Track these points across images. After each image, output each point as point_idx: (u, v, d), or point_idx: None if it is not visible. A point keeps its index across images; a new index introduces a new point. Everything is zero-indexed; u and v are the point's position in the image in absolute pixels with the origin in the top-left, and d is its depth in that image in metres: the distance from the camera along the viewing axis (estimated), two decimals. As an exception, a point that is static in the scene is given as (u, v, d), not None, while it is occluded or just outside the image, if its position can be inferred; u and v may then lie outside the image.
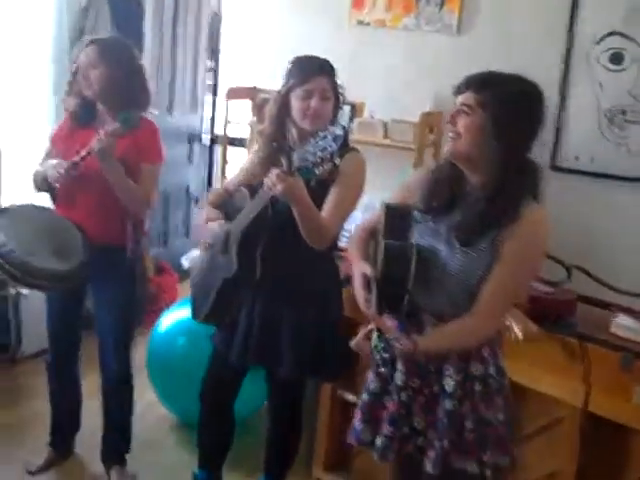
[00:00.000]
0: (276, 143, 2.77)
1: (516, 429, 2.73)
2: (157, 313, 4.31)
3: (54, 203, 3.14)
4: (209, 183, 6.04)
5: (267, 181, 2.47)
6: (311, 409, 3.38)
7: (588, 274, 3.07)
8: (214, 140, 6.01)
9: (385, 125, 4.30)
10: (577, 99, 4.04)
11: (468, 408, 2.20)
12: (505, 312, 2.25)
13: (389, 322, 2.23)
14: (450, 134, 2.16)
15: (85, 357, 3.42)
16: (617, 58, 3.94)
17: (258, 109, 4.56)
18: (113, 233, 3.09)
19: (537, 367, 2.80)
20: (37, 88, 4.53)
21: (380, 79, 4.54)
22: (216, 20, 5.91)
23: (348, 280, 2.60)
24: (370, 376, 2.38)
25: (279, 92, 2.75)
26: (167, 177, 5.53)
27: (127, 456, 3.45)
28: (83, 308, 3.37)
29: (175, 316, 3.86)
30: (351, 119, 4.42)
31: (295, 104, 2.70)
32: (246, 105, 4.92)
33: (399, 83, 4.49)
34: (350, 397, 3.19)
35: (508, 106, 2.09)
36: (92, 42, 3.11)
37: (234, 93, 4.90)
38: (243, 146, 4.99)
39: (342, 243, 3.00)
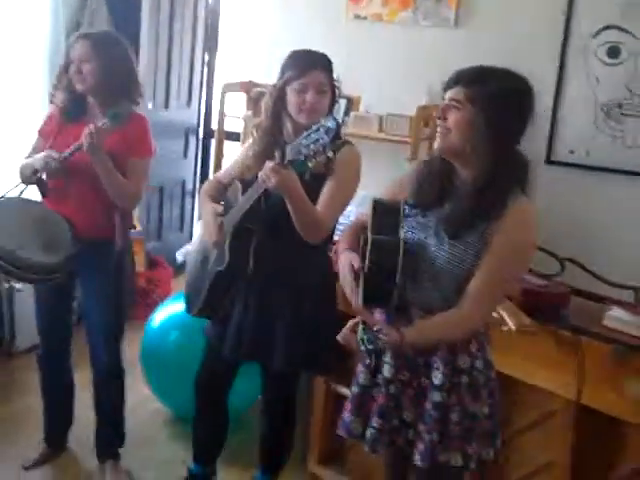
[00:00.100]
0: (272, 137, 2.77)
1: (503, 423, 2.76)
2: (151, 307, 4.32)
3: (42, 196, 3.14)
4: (204, 177, 6.04)
5: (261, 174, 2.48)
6: (305, 403, 3.38)
7: (582, 267, 3.07)
8: (209, 134, 6.01)
9: (381, 119, 4.30)
10: (573, 93, 4.04)
11: (454, 401, 2.20)
12: (493, 305, 2.25)
13: (378, 315, 2.23)
14: (440, 129, 2.17)
15: (77, 351, 3.42)
16: (614, 52, 3.93)
17: (254, 103, 4.55)
18: (101, 226, 3.09)
19: (530, 360, 2.79)
20: (33, 83, 4.53)
21: (377, 73, 4.53)
22: (213, 14, 5.91)
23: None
24: (359, 369, 2.39)
25: (275, 85, 2.75)
26: (162, 171, 5.58)
27: (121, 450, 3.45)
28: (72, 302, 3.37)
29: (169, 310, 3.86)
30: (347, 113, 4.42)
31: (291, 98, 2.69)
32: (241, 99, 4.92)
33: (396, 77, 4.48)
34: (344, 391, 3.18)
35: (497, 101, 2.09)
36: (84, 36, 3.10)
37: (230, 87, 4.89)
38: (238, 140, 4.99)
39: (337, 237, 2.99)
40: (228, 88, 4.87)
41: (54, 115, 3.20)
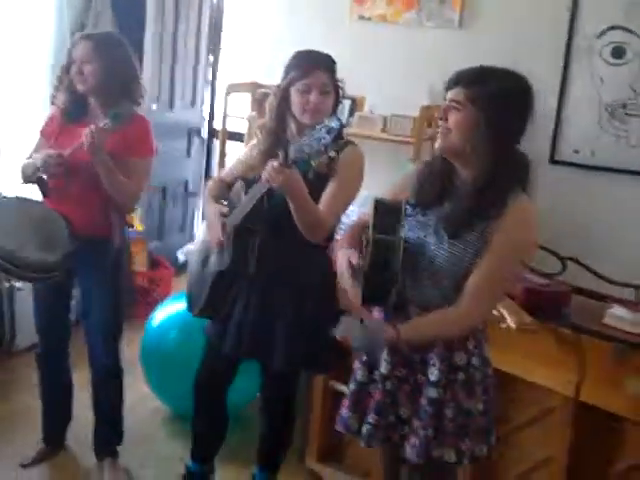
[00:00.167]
0: (276, 137, 2.78)
1: (502, 419, 2.78)
2: (151, 306, 4.33)
3: (43, 196, 3.15)
4: (207, 178, 6.06)
5: (264, 173, 2.49)
6: (304, 400, 3.38)
7: (584, 266, 3.07)
8: (213, 134, 6.02)
9: (384, 119, 4.31)
10: (578, 93, 4.05)
11: (449, 397, 2.21)
12: (491, 303, 2.25)
13: (376, 314, 2.25)
14: (440, 129, 2.18)
15: (76, 351, 3.42)
16: (618, 52, 3.94)
17: (258, 103, 4.57)
18: (99, 224, 3.09)
19: (530, 358, 2.79)
20: (37, 84, 4.54)
21: (380, 74, 4.54)
22: (217, 15, 5.92)
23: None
24: (357, 365, 2.41)
25: (279, 86, 2.76)
26: (165, 171, 5.59)
27: (120, 448, 3.44)
28: (70, 301, 3.38)
29: (169, 310, 3.86)
30: (351, 113, 4.44)
31: (295, 98, 2.70)
32: (245, 99, 4.93)
33: (399, 78, 4.50)
34: (342, 388, 3.18)
35: (497, 101, 2.10)
36: (85, 37, 3.11)
37: (234, 88, 4.91)
38: (242, 141, 5.00)
39: (339, 237, 3.01)
40: (232, 89, 4.89)
41: (55, 116, 3.21)
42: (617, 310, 2.83)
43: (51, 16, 4.59)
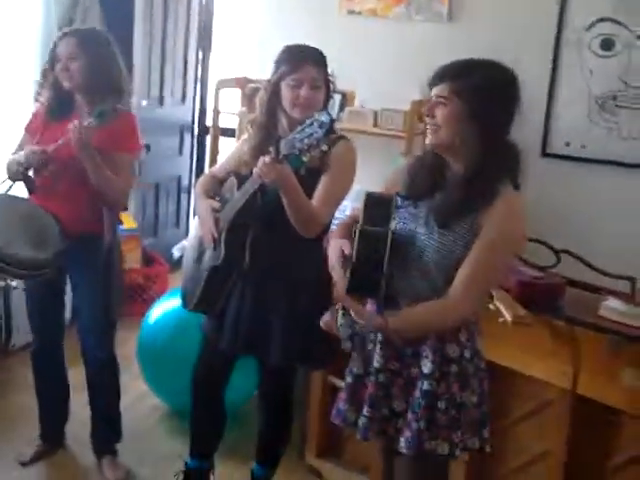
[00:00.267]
0: (267, 132, 2.77)
1: (500, 413, 2.78)
2: (147, 303, 4.32)
3: (30, 192, 3.14)
4: (199, 173, 6.05)
5: (256, 169, 2.49)
6: (302, 396, 3.39)
7: (578, 258, 3.08)
8: (204, 130, 6.01)
9: (375, 114, 4.30)
10: (567, 86, 4.05)
11: (443, 389, 2.21)
12: (481, 294, 2.23)
13: (369, 306, 2.24)
14: (429, 127, 2.18)
15: (72, 349, 3.41)
16: (607, 44, 3.94)
17: (248, 99, 4.55)
18: (88, 221, 3.09)
19: (526, 351, 2.80)
20: (24, 79, 4.52)
21: (371, 68, 4.53)
22: (206, 11, 5.90)
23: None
24: (353, 358, 2.41)
25: (269, 81, 2.75)
26: (158, 168, 5.59)
27: (119, 446, 3.45)
28: (64, 296, 3.37)
29: (165, 306, 3.86)
30: (342, 108, 4.42)
31: (285, 93, 2.69)
32: (236, 95, 4.92)
33: (390, 72, 4.49)
34: (341, 384, 3.19)
35: (483, 92, 2.11)
36: (69, 34, 3.10)
37: (224, 83, 4.90)
38: (233, 136, 4.99)
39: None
40: (222, 84, 4.87)
41: (40, 112, 3.20)
42: (612, 302, 2.83)
43: (38, 12, 4.57)
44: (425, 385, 2.21)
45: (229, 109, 4.95)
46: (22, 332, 4.20)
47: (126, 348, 3.94)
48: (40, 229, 2.99)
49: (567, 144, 4.06)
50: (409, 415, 2.24)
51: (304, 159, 2.35)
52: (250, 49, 5.01)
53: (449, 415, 2.21)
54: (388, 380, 2.29)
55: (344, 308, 2.13)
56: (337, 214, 2.90)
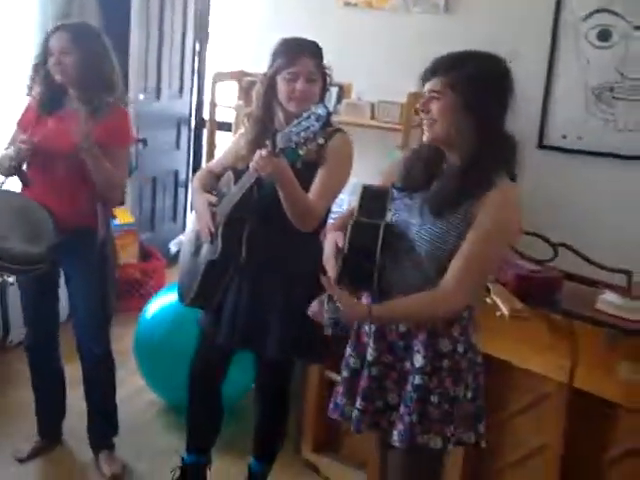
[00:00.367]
0: (263, 125, 2.77)
1: (497, 407, 2.78)
2: (145, 298, 4.32)
3: (24, 185, 3.15)
4: (196, 167, 6.04)
5: (253, 163, 2.48)
6: (299, 390, 3.40)
7: (575, 252, 3.08)
8: (201, 124, 6.00)
9: (372, 106, 4.29)
10: (564, 76, 4.04)
11: (435, 384, 2.20)
12: (474, 286, 2.19)
13: (364, 299, 2.24)
14: (425, 121, 2.18)
15: (69, 344, 3.41)
16: (604, 35, 3.93)
17: (245, 92, 4.55)
18: (82, 215, 3.09)
19: (523, 344, 2.80)
20: (19, 74, 4.50)
21: (368, 60, 4.52)
22: (204, 4, 5.88)
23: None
24: (348, 352, 2.40)
25: (265, 74, 2.75)
26: (155, 161, 5.58)
27: (116, 441, 3.46)
28: (57, 289, 3.37)
29: (162, 301, 3.86)
30: (338, 100, 4.42)
31: (281, 86, 2.69)
32: (233, 88, 4.91)
33: (387, 64, 4.47)
34: (338, 378, 3.19)
35: (476, 84, 2.10)
36: (61, 28, 3.10)
37: (221, 77, 4.89)
38: (230, 130, 4.98)
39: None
40: (219, 78, 4.86)
41: (31, 106, 3.20)
42: (609, 296, 2.82)
43: (35, 6, 4.55)
44: (417, 379, 2.20)
45: (226, 102, 4.94)
46: (19, 328, 4.18)
47: (123, 343, 3.94)
48: (34, 223, 3.00)
49: (564, 136, 4.05)
50: (401, 408, 2.24)
51: (300, 152, 2.35)
52: (247, 42, 5.00)
53: (442, 409, 2.20)
54: (381, 373, 2.28)
55: (331, 296, 2.12)
56: (334, 207, 2.90)
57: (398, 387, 2.28)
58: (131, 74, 5.16)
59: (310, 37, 2.77)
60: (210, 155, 4.84)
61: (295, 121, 2.34)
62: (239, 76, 4.83)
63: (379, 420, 2.31)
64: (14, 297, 4.18)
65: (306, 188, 2.61)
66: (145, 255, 5.39)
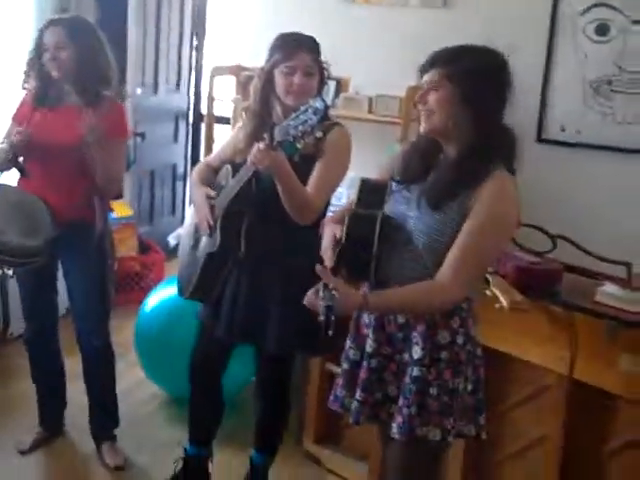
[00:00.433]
0: (261, 119, 2.77)
1: (498, 398, 2.78)
2: (144, 291, 4.32)
3: (22, 175, 3.17)
4: (194, 161, 6.04)
5: (250, 156, 2.49)
6: (300, 383, 3.40)
7: (574, 244, 3.08)
8: (199, 118, 6.00)
9: (370, 100, 4.29)
10: (562, 70, 4.03)
11: (434, 376, 2.20)
12: (471, 277, 2.18)
13: (364, 288, 2.25)
14: (423, 113, 2.18)
15: (70, 338, 3.42)
16: (602, 29, 3.92)
17: (243, 86, 4.54)
18: (79, 208, 3.10)
19: (523, 336, 2.81)
20: (16, 68, 4.49)
21: (366, 54, 4.51)
22: (201, -1, 5.89)
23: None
24: (348, 344, 2.41)
25: (263, 69, 2.75)
26: (153, 155, 5.58)
27: (117, 434, 3.47)
28: (55, 282, 3.38)
29: (162, 294, 3.87)
30: (336, 94, 4.41)
31: (279, 81, 2.69)
32: (231, 82, 4.90)
33: (385, 58, 4.46)
34: (339, 370, 3.20)
35: (474, 76, 2.11)
36: (55, 22, 3.10)
37: (218, 71, 4.88)
38: (228, 124, 4.98)
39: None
40: (217, 72, 4.86)
41: (26, 101, 3.21)
42: (608, 287, 2.83)
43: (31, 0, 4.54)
44: (415, 371, 2.20)
45: (224, 96, 4.93)
46: (20, 320, 4.19)
47: (123, 336, 3.95)
48: (31, 216, 3.01)
49: (562, 129, 4.04)
50: (400, 400, 2.24)
51: (298, 146, 2.35)
52: (244, 36, 4.99)
53: (441, 401, 2.20)
54: (381, 365, 2.29)
55: (326, 285, 2.12)
56: (332, 201, 2.90)
57: (397, 379, 2.28)
58: (129, 68, 5.17)
59: (308, 31, 2.77)
60: (208, 149, 4.84)
61: (293, 115, 2.34)
62: (237, 70, 4.82)
63: (378, 412, 2.32)
64: (14, 290, 4.18)
65: (304, 181, 2.62)
66: (144, 248, 5.40)
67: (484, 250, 2.16)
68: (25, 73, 3.17)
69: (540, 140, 4.07)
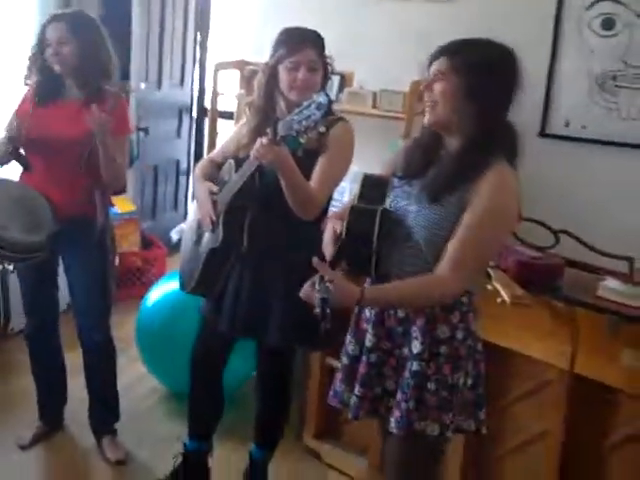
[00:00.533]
0: (265, 114, 2.77)
1: (499, 393, 2.77)
2: (146, 286, 4.33)
3: (25, 169, 3.17)
4: (198, 156, 6.04)
5: (254, 151, 2.48)
6: (300, 377, 3.40)
7: (576, 239, 3.08)
8: (203, 113, 6.00)
9: (374, 95, 4.28)
10: (567, 65, 4.01)
11: (433, 370, 2.19)
12: (470, 270, 2.16)
13: (366, 284, 2.25)
14: (427, 103, 2.17)
15: (71, 333, 3.42)
16: (608, 23, 3.91)
17: (247, 81, 4.54)
18: (81, 203, 3.11)
19: (525, 331, 2.81)
20: (19, 63, 4.49)
21: (370, 49, 4.50)
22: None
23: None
24: (348, 339, 2.41)
25: (267, 64, 2.75)
26: (156, 150, 5.58)
27: (117, 428, 3.48)
28: (56, 277, 3.38)
29: (164, 289, 3.88)
30: (340, 89, 4.41)
31: (283, 76, 2.69)
32: (234, 77, 4.90)
33: (389, 53, 4.46)
34: (338, 365, 3.20)
35: (481, 69, 2.10)
36: (58, 18, 3.11)
37: (222, 66, 4.88)
38: (232, 119, 4.98)
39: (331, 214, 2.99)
40: (220, 67, 4.85)
41: (28, 96, 3.21)
42: (610, 282, 2.82)
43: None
44: (414, 365, 2.20)
45: (228, 91, 4.93)
46: (20, 316, 4.19)
47: (124, 331, 3.95)
48: (33, 212, 3.01)
49: (567, 124, 4.04)
50: (399, 395, 2.23)
51: (301, 140, 2.34)
52: (248, 31, 4.99)
53: (439, 396, 2.19)
54: (380, 359, 2.29)
55: (322, 277, 2.12)
56: (335, 196, 2.90)
57: (396, 373, 2.27)
58: (132, 63, 5.17)
59: (312, 26, 2.77)
60: (211, 144, 4.83)
61: (296, 109, 2.33)
62: (240, 65, 4.82)
63: (377, 406, 2.32)
64: (15, 285, 4.18)
65: (307, 176, 2.61)
66: (146, 243, 5.41)
67: (483, 243, 2.14)
68: (27, 68, 3.18)
69: (544, 135, 4.06)
